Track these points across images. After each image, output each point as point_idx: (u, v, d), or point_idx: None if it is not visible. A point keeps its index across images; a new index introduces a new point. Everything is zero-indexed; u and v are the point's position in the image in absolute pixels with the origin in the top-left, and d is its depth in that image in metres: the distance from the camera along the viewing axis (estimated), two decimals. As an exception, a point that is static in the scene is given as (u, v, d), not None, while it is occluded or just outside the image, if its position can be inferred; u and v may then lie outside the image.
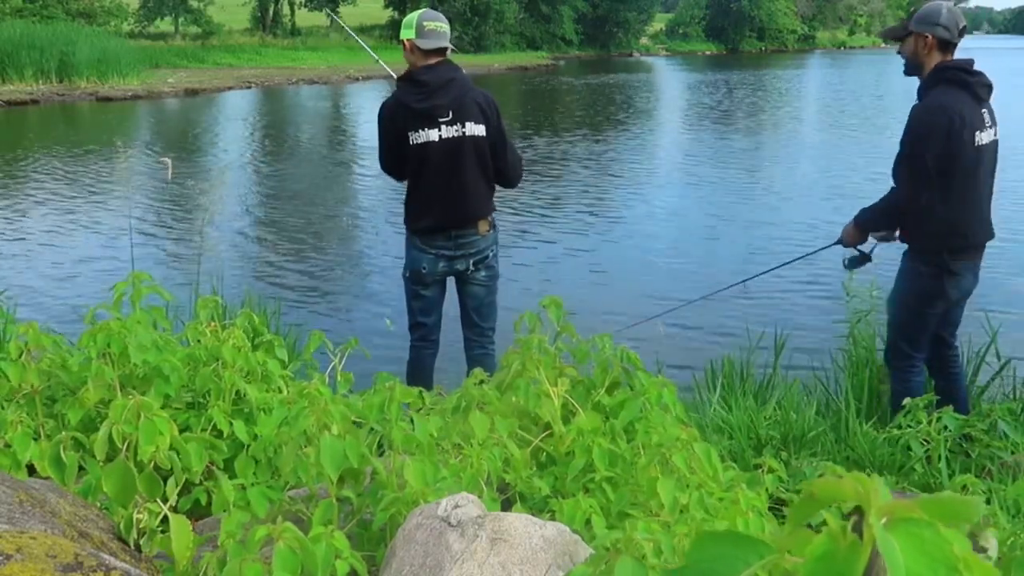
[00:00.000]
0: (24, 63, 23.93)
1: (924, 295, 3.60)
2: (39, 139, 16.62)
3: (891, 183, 3.57)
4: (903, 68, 3.64)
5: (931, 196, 3.42)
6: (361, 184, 12.67)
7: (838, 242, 3.91)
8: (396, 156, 3.82)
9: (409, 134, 3.71)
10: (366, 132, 19.22)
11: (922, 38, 3.49)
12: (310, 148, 16.52)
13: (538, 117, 21.20)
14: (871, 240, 3.81)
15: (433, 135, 3.72)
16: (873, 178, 12.38)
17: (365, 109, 24.93)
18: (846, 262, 3.94)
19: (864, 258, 3.87)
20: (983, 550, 0.96)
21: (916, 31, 3.50)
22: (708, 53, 58.07)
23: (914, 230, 3.58)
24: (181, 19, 41.83)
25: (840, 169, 13.29)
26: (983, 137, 3.46)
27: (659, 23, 63.11)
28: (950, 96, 3.42)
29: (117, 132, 17.91)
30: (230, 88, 27.70)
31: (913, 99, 3.57)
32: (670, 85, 33.31)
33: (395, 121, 3.74)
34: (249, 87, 28.59)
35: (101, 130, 18.52)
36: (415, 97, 3.71)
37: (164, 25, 42.27)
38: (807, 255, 4.52)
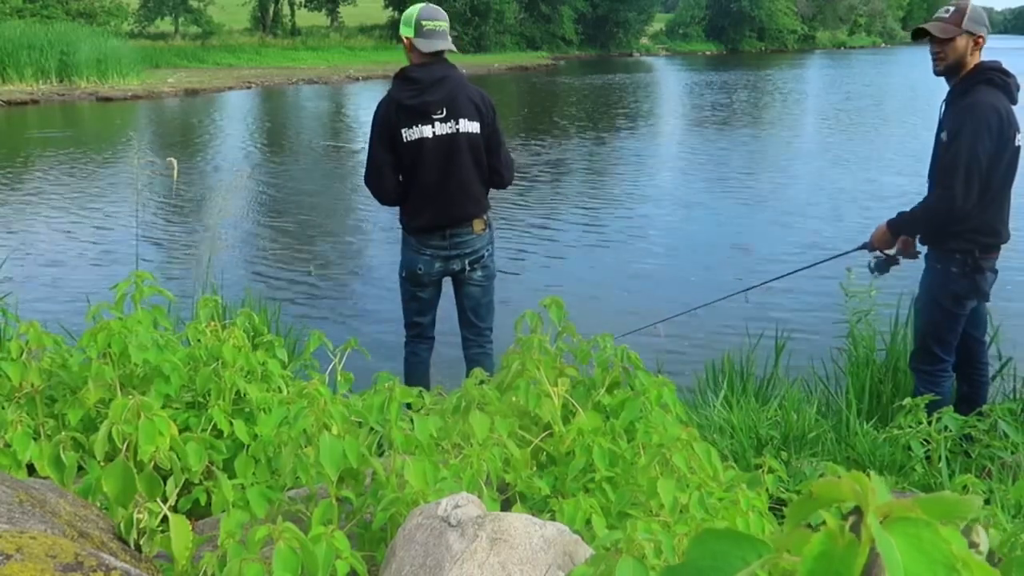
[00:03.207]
0: (24, 63, 23.95)
1: (957, 295, 3.57)
2: (39, 139, 16.63)
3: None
4: (939, 68, 3.53)
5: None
6: (361, 184, 12.65)
7: (864, 246, 3.87)
8: (386, 160, 3.74)
9: (402, 131, 3.68)
10: (366, 132, 19.20)
11: (974, 38, 3.46)
12: (310, 148, 16.52)
13: (538, 117, 21.20)
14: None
15: (427, 131, 3.69)
16: (878, 180, 12.40)
17: (365, 109, 24.92)
18: (872, 265, 3.89)
19: (892, 261, 3.82)
20: (974, 545, 0.96)
21: (971, 31, 3.45)
22: (708, 53, 58.06)
23: (945, 231, 3.53)
24: (181, 19, 41.85)
25: (843, 171, 13.29)
26: (1020, 139, 3.48)
27: (659, 23, 63.11)
28: (993, 96, 3.42)
29: (118, 132, 17.91)
30: (230, 88, 27.71)
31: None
32: (671, 85, 33.31)
33: (389, 118, 3.70)
34: (249, 87, 28.60)
35: (102, 130, 18.53)
36: (408, 93, 3.68)
37: (164, 25, 42.29)
38: (829, 259, 4.45)
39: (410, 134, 3.69)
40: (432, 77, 3.70)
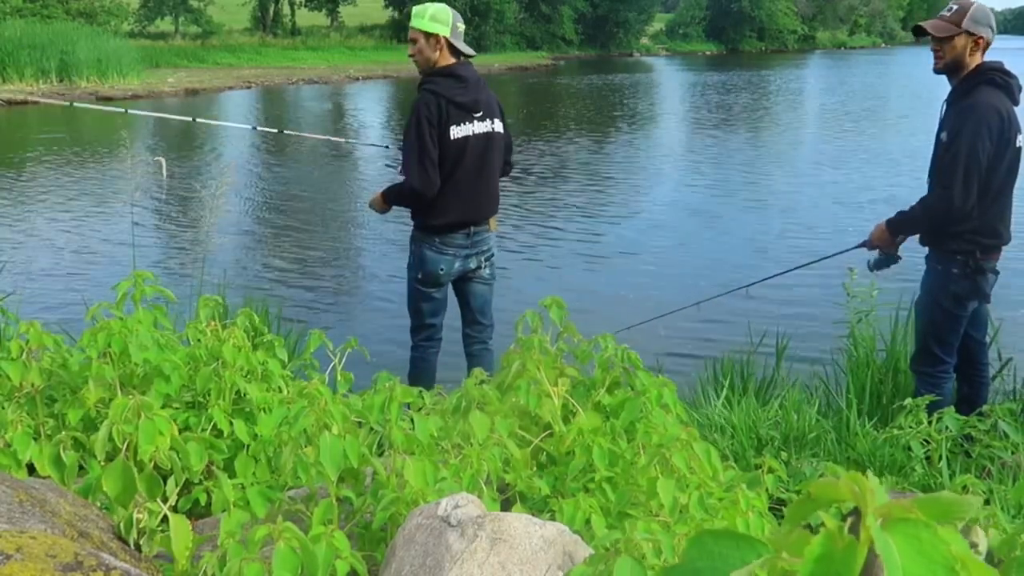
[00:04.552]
0: (24, 63, 23.95)
1: (957, 296, 3.56)
2: (39, 139, 16.63)
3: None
4: (938, 66, 3.51)
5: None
6: (361, 184, 12.67)
7: (863, 244, 3.87)
8: (436, 155, 3.68)
9: (451, 128, 3.69)
10: (367, 132, 19.20)
11: (974, 38, 3.44)
12: (310, 148, 16.51)
13: (538, 118, 21.19)
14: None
15: (469, 129, 3.74)
16: (878, 180, 12.40)
17: (365, 109, 24.92)
18: (871, 264, 3.88)
19: (890, 260, 3.82)
20: (973, 545, 0.96)
21: (971, 31, 3.43)
22: (708, 53, 58.03)
23: (945, 232, 3.52)
24: (181, 19, 41.81)
25: (844, 171, 13.28)
26: (1020, 140, 3.47)
27: (659, 23, 63.04)
28: (994, 97, 3.41)
29: (117, 132, 17.89)
30: (230, 88, 27.71)
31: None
32: (671, 85, 33.29)
33: (440, 114, 3.67)
34: (249, 87, 28.59)
35: (101, 130, 18.52)
36: (458, 91, 3.71)
37: (164, 25, 42.25)
38: (827, 257, 4.45)
39: (457, 131, 3.71)
40: (474, 76, 3.79)
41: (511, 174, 4.29)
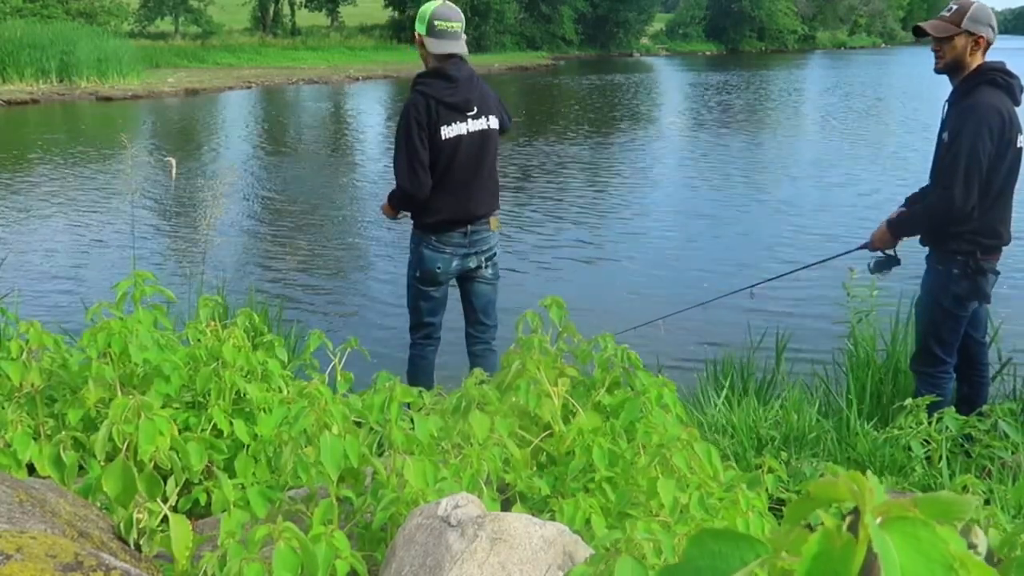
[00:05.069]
0: (24, 63, 23.98)
1: (958, 297, 3.56)
2: (39, 139, 16.63)
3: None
4: (938, 66, 3.51)
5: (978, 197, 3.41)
6: (362, 184, 12.67)
7: (864, 246, 3.85)
8: (426, 157, 3.69)
9: (441, 128, 3.68)
10: (366, 132, 19.20)
11: (975, 38, 3.43)
12: (311, 148, 16.52)
13: (538, 117, 21.19)
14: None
15: (462, 128, 3.73)
16: (880, 181, 12.40)
17: (365, 109, 24.92)
18: (871, 266, 3.87)
19: (891, 261, 3.82)
20: (972, 546, 0.96)
21: (971, 31, 3.42)
22: (708, 53, 58.02)
23: (946, 232, 3.52)
24: (181, 19, 41.81)
25: (843, 172, 13.28)
26: (1021, 140, 3.47)
27: (659, 23, 63.01)
28: (995, 97, 3.40)
29: (118, 132, 17.90)
30: (230, 88, 27.72)
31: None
32: (671, 86, 33.29)
33: (428, 115, 3.67)
34: (249, 87, 28.59)
35: (102, 129, 18.53)
36: (447, 91, 3.69)
37: (164, 25, 42.25)
38: (829, 259, 4.43)
39: (448, 131, 3.70)
40: (465, 74, 3.75)
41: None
